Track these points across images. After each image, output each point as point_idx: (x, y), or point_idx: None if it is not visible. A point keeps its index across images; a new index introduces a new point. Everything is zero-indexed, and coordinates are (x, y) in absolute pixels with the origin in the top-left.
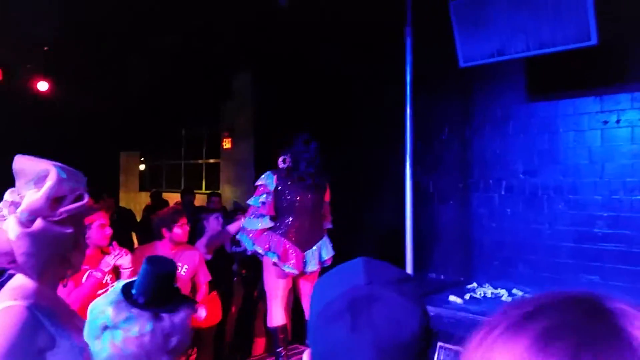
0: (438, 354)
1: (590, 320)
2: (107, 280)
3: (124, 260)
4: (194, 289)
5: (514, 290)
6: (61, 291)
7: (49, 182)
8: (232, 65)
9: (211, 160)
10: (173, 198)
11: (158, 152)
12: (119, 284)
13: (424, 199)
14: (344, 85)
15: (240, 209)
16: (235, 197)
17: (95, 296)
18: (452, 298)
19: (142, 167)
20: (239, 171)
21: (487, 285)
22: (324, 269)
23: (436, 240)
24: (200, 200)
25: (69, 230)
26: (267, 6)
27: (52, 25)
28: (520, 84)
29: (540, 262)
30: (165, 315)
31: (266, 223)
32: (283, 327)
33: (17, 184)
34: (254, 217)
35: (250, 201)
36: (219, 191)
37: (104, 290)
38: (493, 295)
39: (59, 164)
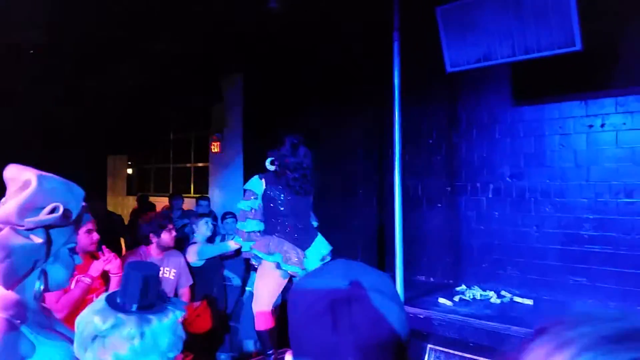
0: (428, 356)
1: None
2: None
3: (113, 265)
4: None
5: (503, 292)
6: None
7: (25, 192)
8: (221, 69)
9: (200, 164)
10: (161, 202)
11: (146, 155)
12: (103, 296)
13: (412, 203)
14: (333, 89)
15: (229, 212)
16: (224, 201)
17: (84, 302)
18: (441, 300)
19: (129, 170)
20: (228, 175)
21: (475, 287)
22: None
23: (425, 243)
24: (188, 204)
25: (38, 241)
26: (257, 9)
27: (40, 28)
28: (506, 88)
29: (528, 265)
30: (153, 318)
31: (256, 226)
32: (272, 330)
33: (7, 192)
34: (243, 220)
35: (240, 204)
36: (208, 195)
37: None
38: (482, 298)
39: (49, 174)
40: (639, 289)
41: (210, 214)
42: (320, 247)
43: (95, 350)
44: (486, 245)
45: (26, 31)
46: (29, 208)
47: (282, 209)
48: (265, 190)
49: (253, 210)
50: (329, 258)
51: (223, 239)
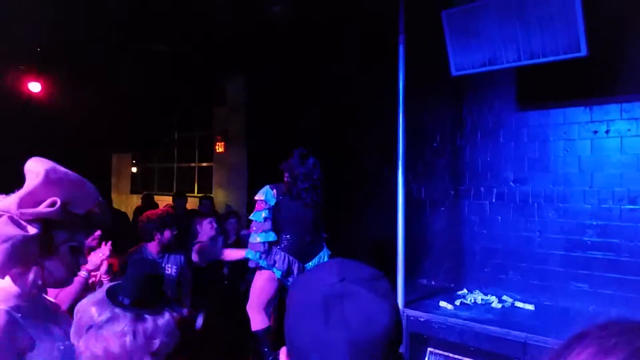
0: (428, 359)
1: None
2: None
3: (97, 257)
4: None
5: (504, 297)
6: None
7: (28, 183)
8: (226, 70)
9: (204, 164)
10: (165, 201)
11: (150, 154)
12: (105, 287)
13: (415, 206)
14: (337, 92)
15: (232, 212)
16: (227, 201)
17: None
18: (442, 304)
19: (134, 169)
20: (232, 175)
21: (477, 291)
22: None
23: (427, 246)
24: (192, 203)
25: (31, 232)
26: (261, 11)
27: (45, 27)
28: (511, 93)
29: (530, 270)
30: (148, 317)
31: (271, 237)
32: (267, 329)
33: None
34: (258, 232)
35: (252, 217)
36: (212, 195)
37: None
38: (483, 302)
39: (63, 169)
40: None
41: (214, 214)
42: (322, 260)
43: (88, 340)
44: (488, 250)
45: (32, 27)
46: (30, 199)
47: (291, 218)
48: (276, 201)
49: (268, 220)
50: None
51: (226, 239)
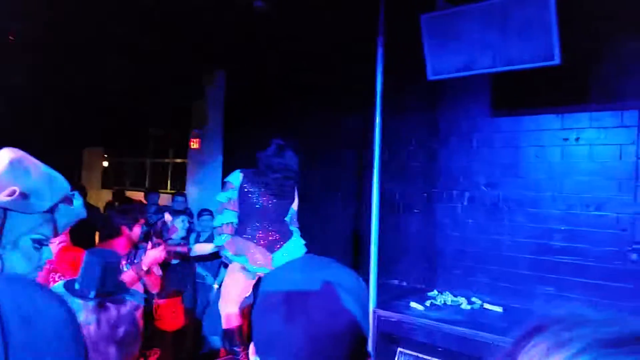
0: (398, 359)
1: None
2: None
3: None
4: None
5: (473, 299)
6: None
7: None
8: (203, 65)
9: (178, 160)
10: (137, 197)
11: (123, 149)
12: (61, 281)
13: (389, 208)
14: (315, 92)
15: (205, 210)
16: (201, 198)
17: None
18: (413, 305)
19: (105, 163)
20: (206, 172)
21: (447, 293)
22: None
23: (400, 248)
24: (165, 199)
25: None
26: (242, 7)
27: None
28: (485, 99)
29: (499, 272)
30: (111, 305)
31: (231, 217)
32: (238, 328)
33: None
34: (219, 212)
35: (218, 197)
36: (185, 192)
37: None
38: (453, 303)
39: (33, 161)
40: (605, 300)
41: (186, 211)
42: (291, 250)
43: None
44: (459, 252)
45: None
46: None
47: (256, 207)
48: (242, 184)
49: (231, 201)
50: None
51: (198, 237)
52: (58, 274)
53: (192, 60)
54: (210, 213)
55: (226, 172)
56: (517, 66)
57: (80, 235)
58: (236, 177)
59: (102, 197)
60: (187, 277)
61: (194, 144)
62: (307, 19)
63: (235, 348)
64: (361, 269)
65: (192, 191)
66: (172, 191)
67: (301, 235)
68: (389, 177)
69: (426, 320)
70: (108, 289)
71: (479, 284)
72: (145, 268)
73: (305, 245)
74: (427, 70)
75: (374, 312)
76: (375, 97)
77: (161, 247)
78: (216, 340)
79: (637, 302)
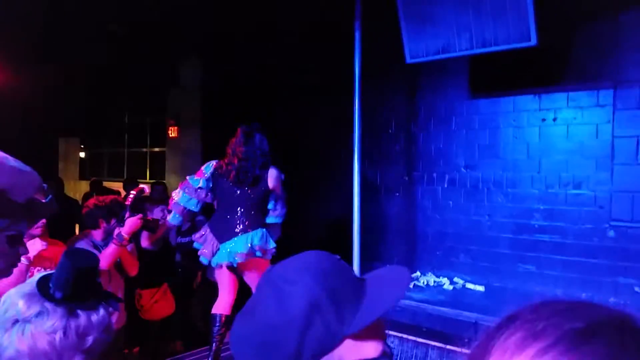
0: None
1: None
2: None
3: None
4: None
5: (455, 279)
6: None
7: None
8: (180, 51)
9: (156, 149)
10: (115, 187)
11: (100, 139)
12: (36, 276)
13: (371, 191)
14: (293, 77)
15: None
16: None
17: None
18: None
19: (82, 154)
20: (186, 161)
21: (430, 274)
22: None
23: (382, 230)
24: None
25: None
26: None
27: None
28: (464, 81)
29: (480, 252)
30: (81, 313)
31: (193, 205)
32: (222, 316)
33: None
34: (186, 194)
35: (189, 178)
36: (164, 181)
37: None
38: (435, 284)
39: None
40: (583, 276)
41: (166, 200)
42: (237, 244)
43: (13, 336)
44: (440, 234)
45: None
46: None
47: (221, 197)
48: (214, 174)
49: (198, 190)
50: (264, 253)
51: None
52: (37, 268)
53: (169, 47)
54: None
55: (205, 159)
56: (495, 47)
57: (60, 227)
58: (209, 168)
59: (80, 189)
60: (167, 265)
61: (172, 133)
62: (284, 4)
63: (214, 334)
64: (344, 252)
65: (171, 180)
66: (152, 181)
67: (284, 222)
68: (370, 160)
69: (410, 301)
70: (79, 295)
71: (460, 264)
72: (126, 236)
73: (286, 230)
74: (405, 54)
75: None
76: (354, 82)
77: (139, 216)
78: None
79: (615, 277)
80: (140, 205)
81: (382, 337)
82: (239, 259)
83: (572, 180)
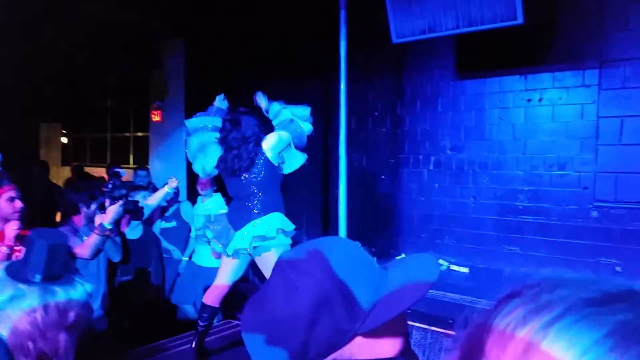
0: None
1: None
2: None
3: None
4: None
5: (440, 261)
6: None
7: None
8: (161, 33)
9: (139, 134)
10: (98, 173)
11: (82, 123)
12: (2, 264)
13: (357, 174)
14: (277, 59)
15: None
16: (164, 172)
17: None
18: None
19: (64, 139)
20: (170, 145)
21: None
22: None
23: (368, 213)
24: (128, 175)
25: None
26: None
27: None
28: (450, 62)
29: (466, 234)
30: (59, 289)
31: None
32: (210, 308)
33: None
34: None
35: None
36: (148, 166)
37: None
38: None
39: None
40: (567, 257)
41: (149, 186)
42: (257, 228)
43: None
44: (426, 216)
45: None
46: None
47: (231, 184)
48: (217, 165)
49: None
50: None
51: (164, 211)
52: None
53: (150, 28)
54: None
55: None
56: (481, 26)
57: (42, 213)
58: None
59: (62, 174)
60: (151, 252)
61: (156, 117)
62: None
63: (200, 322)
64: (330, 235)
65: (155, 165)
66: (135, 166)
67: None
68: (356, 143)
69: None
70: (56, 272)
71: (445, 246)
72: (108, 225)
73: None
74: (391, 34)
75: None
76: (339, 63)
77: (120, 202)
78: (189, 309)
79: (598, 258)
80: (120, 191)
81: (401, 334)
82: (255, 243)
83: (557, 161)
